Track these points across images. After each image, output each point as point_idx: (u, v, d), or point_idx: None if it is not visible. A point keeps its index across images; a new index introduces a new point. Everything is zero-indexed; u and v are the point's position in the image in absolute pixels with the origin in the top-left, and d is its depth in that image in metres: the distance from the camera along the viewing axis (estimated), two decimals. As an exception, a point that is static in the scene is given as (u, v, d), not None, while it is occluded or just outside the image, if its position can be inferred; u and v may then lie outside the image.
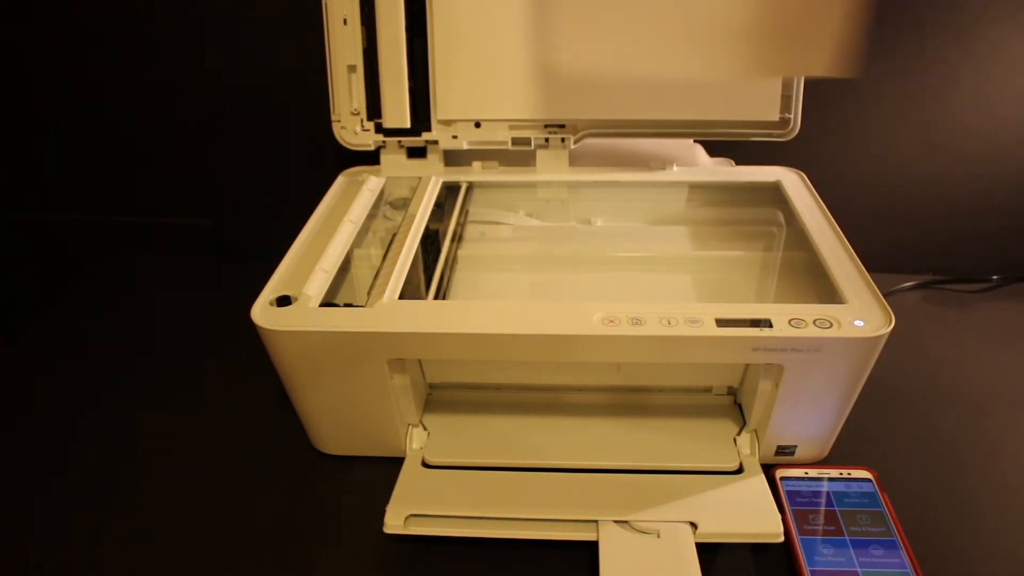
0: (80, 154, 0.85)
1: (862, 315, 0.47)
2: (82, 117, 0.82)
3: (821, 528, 0.49)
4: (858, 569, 0.46)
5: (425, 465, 0.54)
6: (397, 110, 0.66)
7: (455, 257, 0.63)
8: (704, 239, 0.66)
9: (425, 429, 0.57)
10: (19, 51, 0.78)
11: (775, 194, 0.66)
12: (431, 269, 0.59)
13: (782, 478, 0.53)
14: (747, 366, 0.55)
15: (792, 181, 0.66)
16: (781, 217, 0.64)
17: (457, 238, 0.65)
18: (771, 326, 0.46)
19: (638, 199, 0.71)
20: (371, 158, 0.69)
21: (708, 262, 0.63)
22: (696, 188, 0.67)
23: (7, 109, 0.82)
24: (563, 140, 0.67)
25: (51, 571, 0.50)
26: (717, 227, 0.68)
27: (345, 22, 0.64)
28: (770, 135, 0.64)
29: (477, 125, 0.67)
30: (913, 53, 0.72)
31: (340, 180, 0.68)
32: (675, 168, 0.69)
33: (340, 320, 0.48)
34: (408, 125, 0.66)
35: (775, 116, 0.64)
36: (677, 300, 0.57)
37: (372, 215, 0.64)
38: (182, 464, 0.58)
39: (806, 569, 0.46)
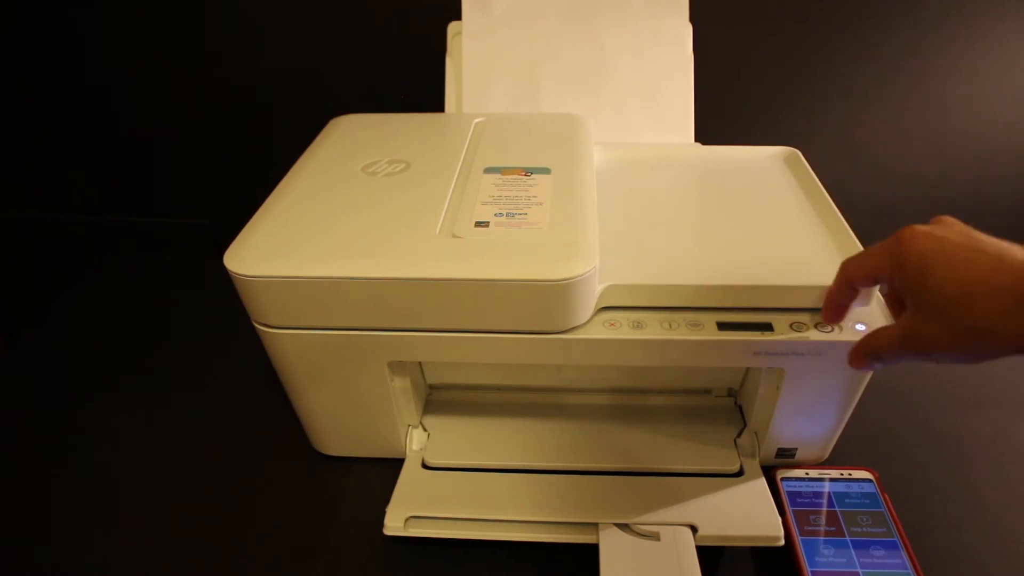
0: (80, 154, 0.85)
1: (863, 318, 0.46)
2: (83, 117, 0.82)
3: (822, 529, 0.49)
4: (859, 570, 0.46)
5: (425, 466, 0.54)
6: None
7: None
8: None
9: (425, 430, 0.57)
10: (20, 51, 0.78)
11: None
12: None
13: (783, 479, 0.53)
14: (748, 368, 0.55)
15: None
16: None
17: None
18: (772, 330, 0.45)
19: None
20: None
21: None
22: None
23: (7, 109, 0.82)
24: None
25: (50, 570, 0.50)
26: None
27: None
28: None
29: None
30: (909, 53, 0.72)
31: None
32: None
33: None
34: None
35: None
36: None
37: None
38: (182, 465, 0.58)
39: (807, 570, 0.46)
